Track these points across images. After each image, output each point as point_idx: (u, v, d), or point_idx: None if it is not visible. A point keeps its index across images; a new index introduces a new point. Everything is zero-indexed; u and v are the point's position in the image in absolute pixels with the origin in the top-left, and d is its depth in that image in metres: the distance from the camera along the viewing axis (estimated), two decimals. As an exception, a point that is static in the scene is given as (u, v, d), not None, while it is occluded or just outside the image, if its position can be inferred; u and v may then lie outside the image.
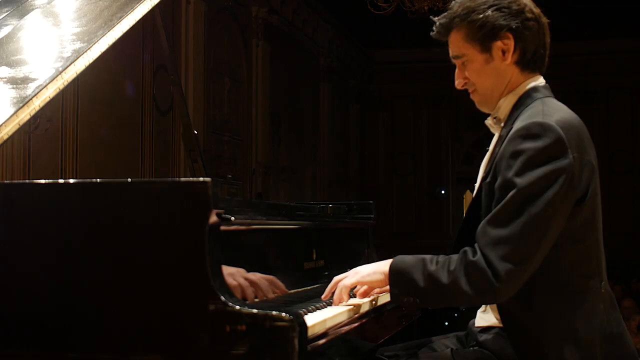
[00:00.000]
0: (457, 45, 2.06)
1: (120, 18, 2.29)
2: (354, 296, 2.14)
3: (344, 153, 13.93)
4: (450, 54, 2.09)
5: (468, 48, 2.04)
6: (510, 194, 1.86)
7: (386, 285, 2.03)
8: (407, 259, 1.99)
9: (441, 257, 1.94)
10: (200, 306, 1.67)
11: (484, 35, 2.01)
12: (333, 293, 2.09)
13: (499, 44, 2.01)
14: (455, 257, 1.91)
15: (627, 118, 14.69)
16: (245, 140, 9.76)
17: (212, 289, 1.67)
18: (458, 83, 2.10)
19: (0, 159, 5.45)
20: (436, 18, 2.09)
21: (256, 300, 2.01)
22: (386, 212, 14.75)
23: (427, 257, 1.96)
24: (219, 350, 1.65)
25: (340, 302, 2.06)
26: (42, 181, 1.83)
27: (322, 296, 2.09)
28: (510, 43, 2.01)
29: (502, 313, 2.01)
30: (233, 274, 1.93)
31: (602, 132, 14.55)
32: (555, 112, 1.95)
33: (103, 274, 1.75)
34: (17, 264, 1.80)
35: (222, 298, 1.66)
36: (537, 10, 2.05)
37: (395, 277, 1.99)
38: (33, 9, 2.58)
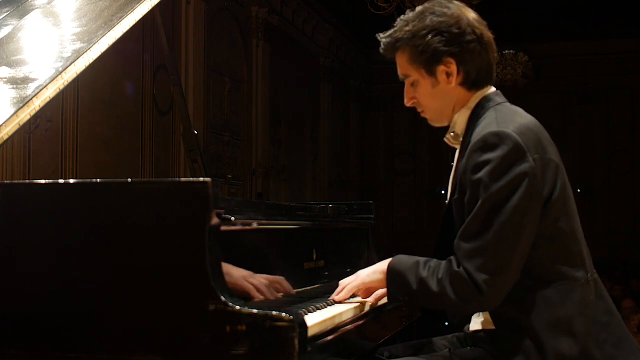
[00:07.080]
0: (403, 66, 2.09)
1: (121, 18, 2.30)
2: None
3: (344, 153, 13.93)
4: (399, 73, 2.12)
5: (414, 70, 2.07)
6: (477, 206, 1.89)
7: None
8: (404, 260, 2.04)
9: (433, 262, 1.97)
10: (200, 306, 1.67)
11: (426, 60, 2.03)
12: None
13: (442, 67, 2.03)
14: (443, 264, 1.94)
15: (627, 118, 14.69)
16: (245, 140, 9.76)
17: (212, 289, 1.67)
18: (407, 101, 2.13)
19: (0, 159, 5.45)
20: (381, 35, 2.10)
21: (255, 300, 2.01)
22: (386, 212, 14.75)
23: (422, 260, 1.99)
24: (218, 350, 1.65)
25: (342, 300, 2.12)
26: (42, 181, 1.83)
27: (331, 297, 2.14)
28: (453, 67, 2.02)
29: (494, 316, 2.01)
30: (243, 276, 1.95)
31: (602, 132, 14.58)
32: (509, 118, 1.97)
33: (103, 274, 1.75)
34: (17, 264, 1.80)
35: (222, 298, 1.66)
36: (479, 27, 2.03)
37: (391, 276, 2.04)
38: (33, 9, 2.58)
